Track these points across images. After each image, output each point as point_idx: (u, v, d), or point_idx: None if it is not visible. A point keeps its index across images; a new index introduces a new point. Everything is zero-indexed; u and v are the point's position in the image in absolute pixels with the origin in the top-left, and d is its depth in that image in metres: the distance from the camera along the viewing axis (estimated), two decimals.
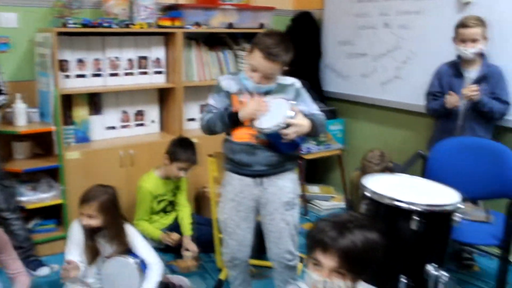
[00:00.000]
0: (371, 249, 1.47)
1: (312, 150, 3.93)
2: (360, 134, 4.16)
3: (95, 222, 2.42)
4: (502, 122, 3.07)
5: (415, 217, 2.07)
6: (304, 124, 2.16)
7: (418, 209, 2.07)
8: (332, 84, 4.29)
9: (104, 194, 2.47)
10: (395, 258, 2.11)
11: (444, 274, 2.13)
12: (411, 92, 3.56)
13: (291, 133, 2.12)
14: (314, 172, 4.42)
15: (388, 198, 2.13)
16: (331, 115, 4.12)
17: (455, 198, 2.20)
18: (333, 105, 4.26)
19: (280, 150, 2.25)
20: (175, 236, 3.12)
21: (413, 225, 2.07)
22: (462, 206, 2.15)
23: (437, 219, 2.14)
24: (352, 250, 1.42)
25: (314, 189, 4.24)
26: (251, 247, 2.46)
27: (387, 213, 2.15)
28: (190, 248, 3.06)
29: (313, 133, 2.26)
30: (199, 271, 3.05)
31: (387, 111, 3.88)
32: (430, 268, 2.11)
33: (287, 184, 2.34)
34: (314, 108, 2.35)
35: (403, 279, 2.13)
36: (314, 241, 1.49)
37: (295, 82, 2.34)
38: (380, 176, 2.51)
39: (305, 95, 2.35)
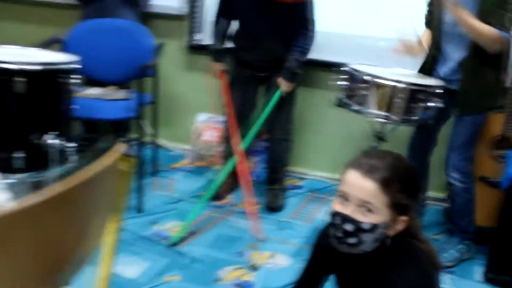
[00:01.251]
0: None
1: None
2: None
3: None
4: (147, 8, 3.07)
5: (19, 78, 1.81)
6: None
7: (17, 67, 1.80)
8: None
9: None
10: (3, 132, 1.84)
11: (65, 143, 1.97)
12: None
13: None
14: None
15: None
16: None
17: (61, 59, 2.02)
18: None
19: None
20: None
21: (17, 87, 1.81)
22: (72, 67, 1.99)
23: (45, 81, 1.91)
24: None
25: None
26: None
27: None
28: None
29: None
30: None
31: (35, 7, 3.50)
32: (48, 137, 1.92)
33: None
34: None
35: (18, 154, 1.88)
36: None
37: None
38: None
39: None
